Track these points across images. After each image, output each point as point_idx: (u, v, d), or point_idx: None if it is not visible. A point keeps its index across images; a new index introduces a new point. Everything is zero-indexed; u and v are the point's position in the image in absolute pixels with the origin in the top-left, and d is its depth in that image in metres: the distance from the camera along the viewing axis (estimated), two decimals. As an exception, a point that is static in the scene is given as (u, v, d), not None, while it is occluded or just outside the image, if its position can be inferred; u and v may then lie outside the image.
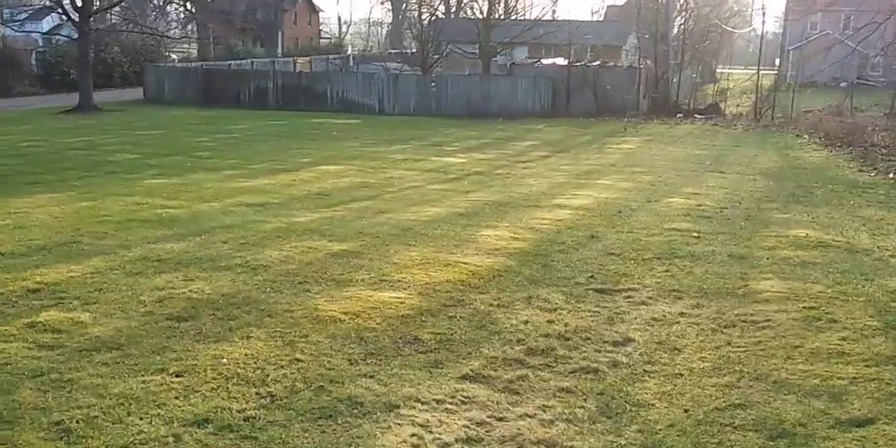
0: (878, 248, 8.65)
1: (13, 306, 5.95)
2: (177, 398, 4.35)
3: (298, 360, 4.95)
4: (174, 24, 46.07)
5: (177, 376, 4.63)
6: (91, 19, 29.78)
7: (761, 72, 49.66)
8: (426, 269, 7.22)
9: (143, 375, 4.64)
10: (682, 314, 6.13)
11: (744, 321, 5.87)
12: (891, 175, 16.04)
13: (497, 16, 40.92)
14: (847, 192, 13.77)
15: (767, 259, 7.93)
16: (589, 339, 5.54)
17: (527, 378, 4.82)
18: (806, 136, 24.38)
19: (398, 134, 23.53)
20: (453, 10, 51.97)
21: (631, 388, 4.71)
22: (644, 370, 4.99)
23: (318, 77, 34.99)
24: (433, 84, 32.29)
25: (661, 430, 4.12)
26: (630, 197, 12.48)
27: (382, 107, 32.04)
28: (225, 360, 4.89)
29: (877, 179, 15.58)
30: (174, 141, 20.30)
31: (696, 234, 9.22)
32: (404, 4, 60.52)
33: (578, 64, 33.51)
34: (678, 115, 30.81)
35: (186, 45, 45.09)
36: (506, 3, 42.22)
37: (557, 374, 4.91)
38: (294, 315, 5.84)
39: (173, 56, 42.92)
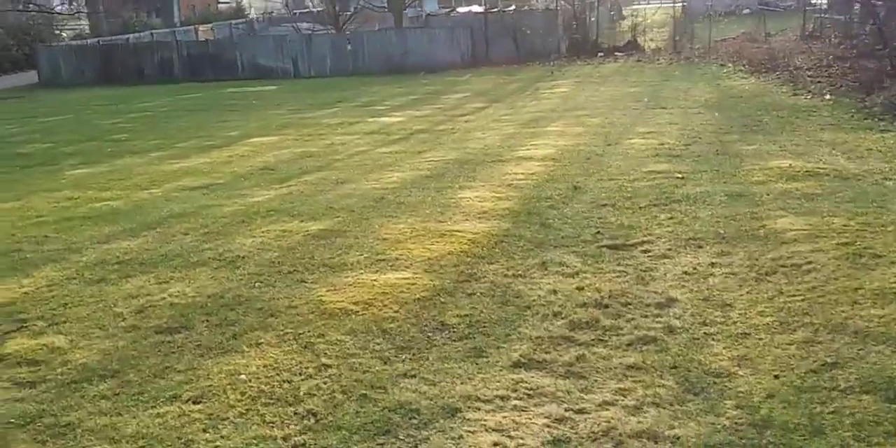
0: (865, 172, 8.46)
1: (-33, 337, 5.10)
2: (205, 431, 3.68)
3: (326, 366, 4.33)
4: (61, 1, 42.91)
5: (195, 403, 3.95)
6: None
7: (664, 5, 49.80)
8: (421, 243, 6.62)
9: (154, 407, 3.94)
10: (712, 265, 5.73)
11: (783, 266, 5.51)
12: (827, 96, 16.11)
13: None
14: (794, 118, 13.69)
15: (767, 195, 7.62)
16: (629, 303, 5.09)
17: (585, 358, 4.33)
18: (730, 64, 24.43)
19: (322, 97, 22.50)
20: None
21: (701, 355, 4.28)
22: (704, 333, 4.57)
23: (225, 44, 33.23)
24: (349, 42, 31.07)
25: (760, 403, 3.70)
26: (589, 142, 12.07)
27: (297, 70, 30.74)
28: (243, 377, 4.22)
29: (815, 102, 15.60)
30: (85, 125, 18.82)
31: (679, 175, 8.87)
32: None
33: (495, 10, 32.78)
34: (599, 54, 30.51)
35: (77, 22, 42.16)
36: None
37: (615, 348, 4.45)
38: (299, 311, 5.18)
39: (64, 34, 40.08)
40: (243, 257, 6.55)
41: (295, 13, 47.26)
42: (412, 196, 8.59)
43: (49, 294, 5.87)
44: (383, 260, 6.21)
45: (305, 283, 5.79)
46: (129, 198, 9.75)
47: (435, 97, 21.16)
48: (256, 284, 5.81)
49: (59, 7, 40.61)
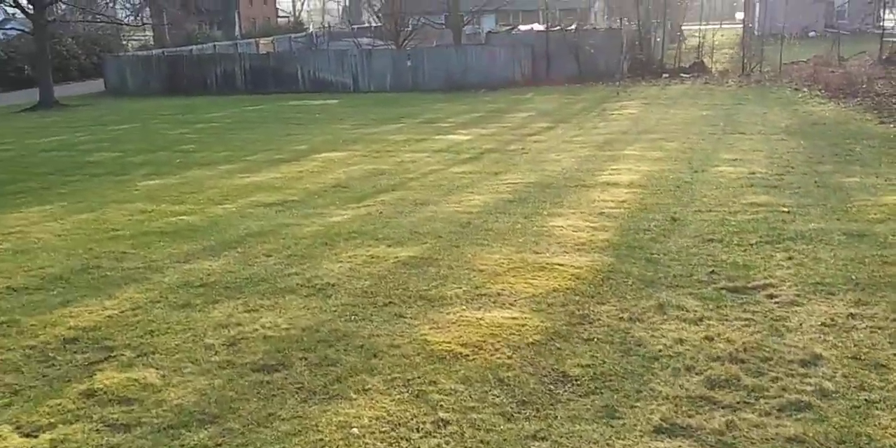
0: None
1: (54, 365, 4.80)
2: (323, 497, 3.29)
3: (444, 422, 3.91)
4: (127, 12, 43.75)
5: (308, 461, 3.57)
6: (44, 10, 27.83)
7: (727, 25, 48.86)
8: (522, 276, 6.19)
9: (264, 464, 3.57)
10: (852, 316, 5.20)
11: (937, 321, 4.96)
12: (919, 127, 15.34)
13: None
14: (888, 148, 12.99)
15: (893, 236, 7.04)
16: (768, 359, 4.59)
17: (735, 425, 3.84)
18: (805, 89, 23.62)
19: (385, 112, 22.29)
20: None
21: (869, 428, 3.77)
22: (865, 400, 4.05)
23: (286, 57, 33.37)
24: (408, 58, 30.95)
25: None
26: (673, 168, 11.54)
27: (357, 84, 30.67)
28: (356, 431, 3.83)
29: (906, 132, 14.85)
30: (152, 135, 18.85)
31: (785, 209, 8.30)
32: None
33: (556, 28, 32.37)
34: (664, 75, 29.87)
35: (143, 33, 42.88)
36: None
37: (766, 414, 3.95)
38: (404, 352, 4.78)
39: (130, 45, 40.79)
40: (333, 285, 6.19)
41: (354, 28, 47.53)
42: (499, 222, 8.17)
43: (134, 319, 5.57)
44: (484, 294, 5.79)
45: (404, 318, 5.39)
46: (204, 212, 9.51)
47: (499, 115, 20.78)
48: (352, 317, 5.43)
49: (127, 18, 41.37)
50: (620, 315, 5.36)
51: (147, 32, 43.84)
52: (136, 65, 32.81)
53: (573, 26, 33.66)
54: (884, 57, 28.93)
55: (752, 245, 7.00)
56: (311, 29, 51.71)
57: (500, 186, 10.51)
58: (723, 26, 51.79)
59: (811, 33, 43.57)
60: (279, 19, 59.70)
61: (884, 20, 40.14)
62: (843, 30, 42.31)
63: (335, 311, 5.59)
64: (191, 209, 9.74)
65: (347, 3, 63.25)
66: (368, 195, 10.38)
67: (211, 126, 20.33)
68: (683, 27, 47.60)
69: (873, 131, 15.08)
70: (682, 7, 50.65)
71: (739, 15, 61.40)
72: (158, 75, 31.71)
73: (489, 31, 35.94)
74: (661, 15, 35.24)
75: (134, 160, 14.73)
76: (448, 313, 5.42)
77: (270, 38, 42.21)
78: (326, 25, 57.32)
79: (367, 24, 48.09)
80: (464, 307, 5.54)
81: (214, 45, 37.51)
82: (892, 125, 15.74)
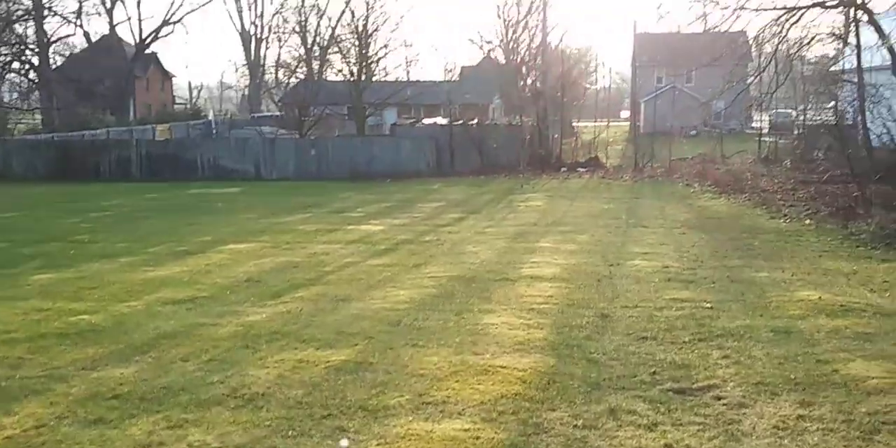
0: (901, 308, 8.19)
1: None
2: None
3: None
4: (15, 94, 42.14)
5: None
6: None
7: (615, 123, 51.59)
8: (466, 381, 5.92)
9: None
10: (801, 418, 5.18)
11: (885, 423, 4.99)
12: (807, 221, 16.25)
13: (366, 77, 40.45)
14: (783, 242, 13.65)
15: (818, 332, 7.21)
16: (734, 467, 4.46)
17: None
18: (696, 184, 24.85)
19: (291, 201, 21.97)
20: (315, 72, 50.99)
21: None
22: (840, 510, 3.95)
23: (185, 144, 32.84)
24: (313, 147, 30.97)
25: None
26: (589, 261, 11.70)
27: (260, 172, 30.34)
28: None
29: (796, 226, 15.66)
30: (43, 224, 17.79)
31: (708, 305, 8.44)
32: (261, 68, 58.94)
33: (459, 122, 33.29)
34: (562, 169, 30.94)
35: (31, 117, 41.28)
36: (369, 66, 41.91)
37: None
38: (354, 473, 4.39)
39: (17, 128, 39.13)
40: (263, 395, 5.73)
41: (254, 116, 47.49)
42: (431, 320, 7.92)
43: (39, 439, 4.94)
44: (430, 403, 5.48)
45: (347, 431, 5.00)
46: (107, 311, 8.84)
47: (409, 205, 20.83)
48: (290, 433, 4.99)
49: (14, 101, 39.86)
50: (574, 422, 5.15)
51: (37, 116, 42.27)
52: (23, 149, 31.48)
53: (475, 121, 34.73)
54: (762, 156, 31.05)
55: (685, 343, 7.01)
56: (210, 116, 51.26)
57: (422, 280, 10.31)
58: (610, 125, 54.76)
59: (692, 132, 46.40)
60: (176, 106, 59.04)
61: (759, 121, 43.38)
62: (722, 129, 45.35)
63: (269, 425, 5.14)
64: (92, 307, 9.03)
65: (247, 92, 63.37)
66: (284, 290, 9.95)
67: (106, 215, 19.42)
68: (577, 124, 50.01)
69: (767, 226, 15.87)
70: (578, 105, 53.36)
71: (624, 113, 65.12)
72: (47, 161, 30.43)
73: (393, 124, 36.65)
74: (557, 112, 36.86)
75: (23, 251, 13.76)
76: (394, 426, 5.07)
77: (167, 125, 41.53)
78: (225, 113, 57.08)
79: (268, 113, 48.16)
80: (410, 418, 5.21)
81: (108, 131, 36.49)
82: (781, 221, 16.63)
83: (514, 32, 51.51)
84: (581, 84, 51.27)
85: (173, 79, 61.28)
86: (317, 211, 19.75)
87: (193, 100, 66.45)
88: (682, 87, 50.01)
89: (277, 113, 46.21)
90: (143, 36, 50.69)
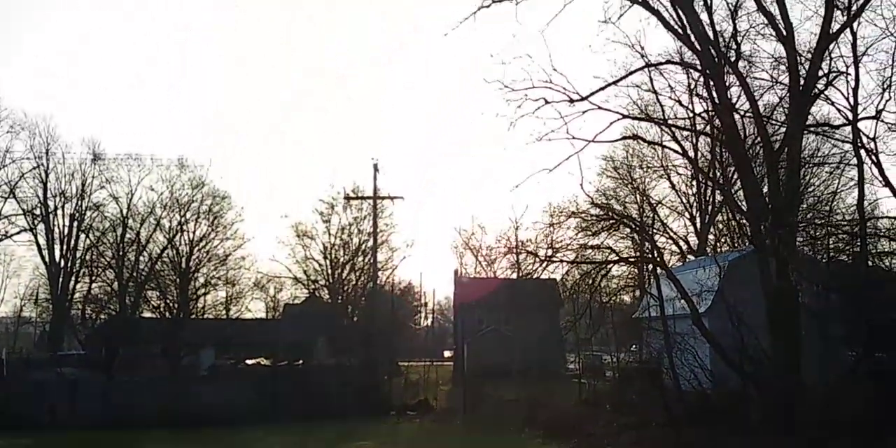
0: None
1: None
2: None
3: None
4: None
5: None
6: None
7: (437, 363, 51.99)
8: None
9: None
10: None
11: None
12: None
13: (184, 314, 39.11)
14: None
15: None
16: None
17: None
18: (525, 429, 24.79)
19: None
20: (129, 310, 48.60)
21: None
22: None
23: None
24: (120, 389, 28.50)
25: None
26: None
27: (55, 419, 27.12)
28: None
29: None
30: None
31: None
32: (67, 303, 55.28)
33: (283, 363, 32.29)
34: (391, 413, 30.13)
35: None
36: (187, 304, 40.82)
37: None
38: None
39: None
40: None
41: (55, 354, 43.65)
42: None
43: None
44: None
45: None
46: None
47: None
48: None
49: None
50: None
51: None
52: None
53: (300, 362, 33.82)
54: (583, 397, 31.97)
55: None
56: (2, 355, 46.45)
57: None
58: (435, 363, 55.17)
59: (512, 372, 47.43)
60: (-37, 342, 53.30)
61: (573, 363, 45.35)
62: (540, 368, 46.85)
63: None
64: None
65: (47, 328, 58.63)
66: None
67: None
68: (402, 363, 49.94)
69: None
70: (407, 345, 53.75)
71: (448, 353, 66.02)
72: None
73: (212, 364, 34.88)
74: (384, 352, 36.80)
75: None
76: None
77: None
78: (20, 351, 52.22)
79: (71, 352, 44.53)
80: None
81: None
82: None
83: (341, 272, 52.60)
84: (407, 324, 52.16)
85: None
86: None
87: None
88: (503, 328, 51.94)
89: (82, 351, 42.82)
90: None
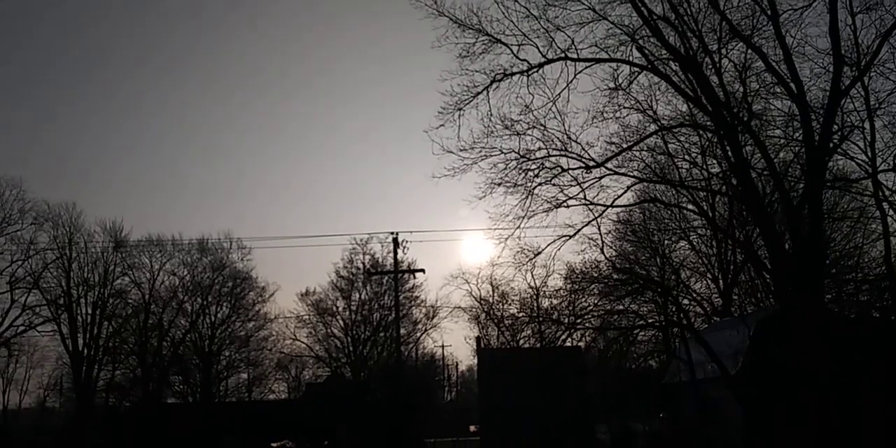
0: None
1: None
2: None
3: None
4: None
5: None
6: None
7: (461, 439, 50.21)
8: None
9: None
10: None
11: None
12: None
13: (206, 399, 38.33)
14: None
15: None
16: None
17: None
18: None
19: None
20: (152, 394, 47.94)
21: None
22: None
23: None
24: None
25: None
26: None
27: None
28: None
29: None
30: None
31: None
32: (90, 391, 54.61)
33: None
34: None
35: None
36: (210, 388, 39.92)
37: None
38: None
39: None
40: None
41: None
42: None
43: None
44: None
45: None
46: None
47: None
48: None
49: None
50: None
51: None
52: None
53: (326, 443, 32.92)
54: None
55: None
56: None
57: None
58: (460, 439, 53.49)
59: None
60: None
61: (602, 433, 43.92)
62: (570, 438, 45.47)
63: None
64: None
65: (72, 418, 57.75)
66: None
67: None
68: (428, 440, 48.54)
69: None
70: (433, 421, 52.25)
71: (473, 427, 64.20)
72: None
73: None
74: (410, 430, 35.75)
75: None
76: None
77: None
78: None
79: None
80: None
81: None
82: None
83: (363, 348, 51.92)
84: (431, 399, 50.94)
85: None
86: None
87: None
88: (528, 400, 50.52)
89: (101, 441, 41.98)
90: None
